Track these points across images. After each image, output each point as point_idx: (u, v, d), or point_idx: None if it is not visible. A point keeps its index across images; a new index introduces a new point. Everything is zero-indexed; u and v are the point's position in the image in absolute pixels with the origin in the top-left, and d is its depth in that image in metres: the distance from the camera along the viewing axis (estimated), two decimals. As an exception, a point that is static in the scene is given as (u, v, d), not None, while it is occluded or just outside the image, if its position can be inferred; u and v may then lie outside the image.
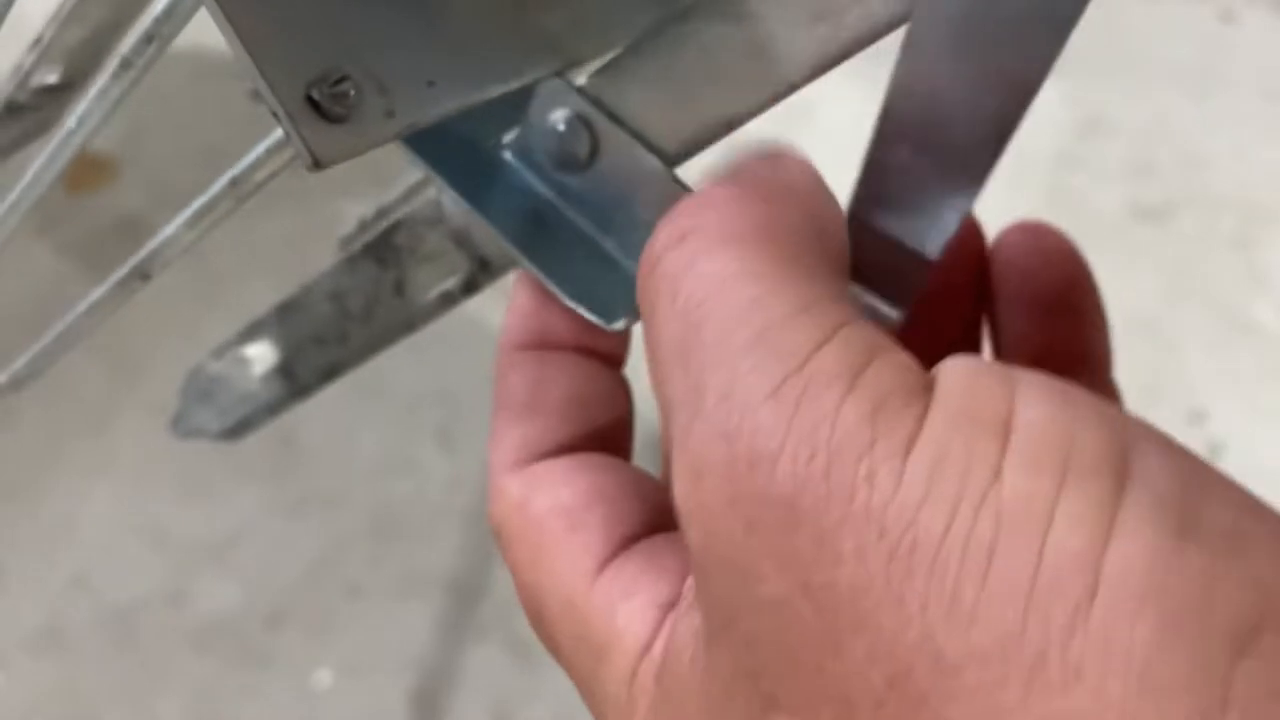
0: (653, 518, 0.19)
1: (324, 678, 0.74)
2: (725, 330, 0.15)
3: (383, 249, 0.24)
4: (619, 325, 0.21)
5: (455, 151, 0.22)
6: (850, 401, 0.14)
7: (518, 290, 0.22)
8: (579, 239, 0.21)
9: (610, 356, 0.22)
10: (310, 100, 0.17)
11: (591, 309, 0.20)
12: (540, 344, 0.21)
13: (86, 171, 1.04)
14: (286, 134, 0.17)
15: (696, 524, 0.15)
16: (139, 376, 0.89)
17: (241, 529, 0.81)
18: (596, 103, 0.21)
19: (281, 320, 0.26)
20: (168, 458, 0.85)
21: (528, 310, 0.21)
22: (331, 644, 0.75)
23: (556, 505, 0.19)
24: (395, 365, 0.95)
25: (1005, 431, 0.13)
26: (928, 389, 0.14)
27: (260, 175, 0.20)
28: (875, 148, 0.21)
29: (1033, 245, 0.27)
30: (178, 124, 1.06)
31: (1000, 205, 1.09)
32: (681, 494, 0.15)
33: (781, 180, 0.20)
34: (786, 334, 0.15)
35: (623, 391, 0.23)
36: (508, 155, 0.22)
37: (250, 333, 0.26)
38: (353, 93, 0.17)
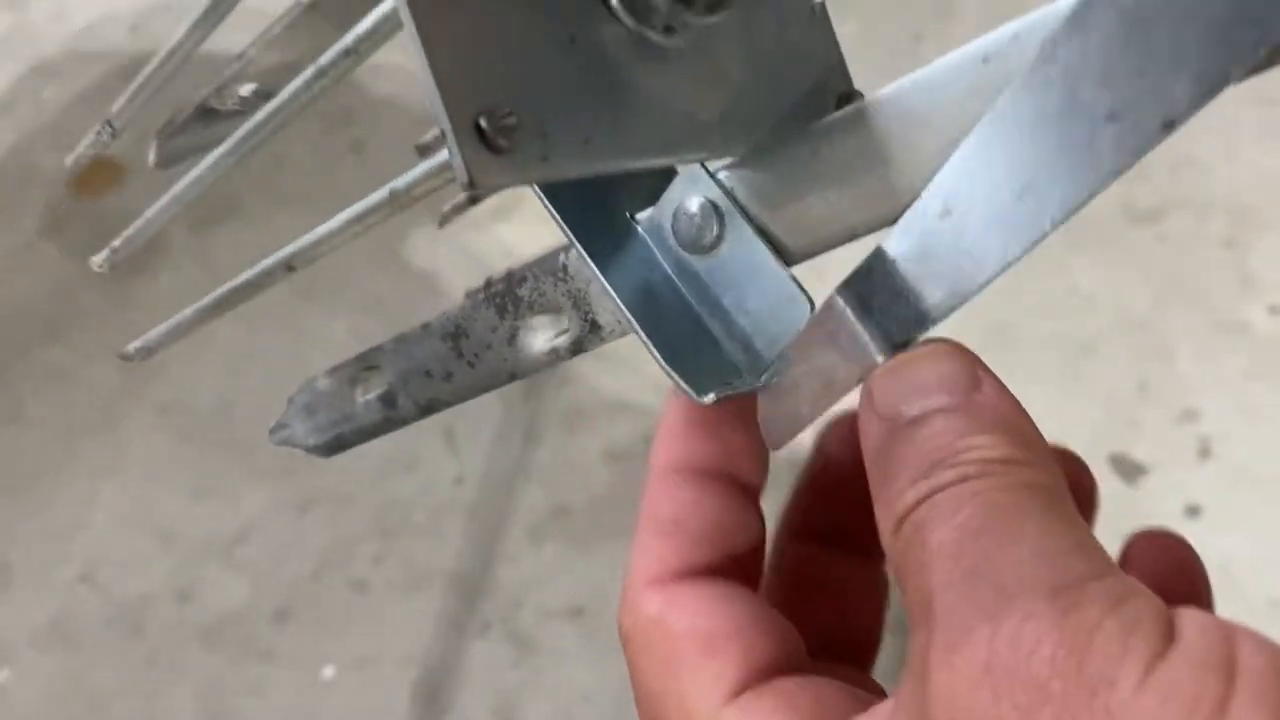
0: (784, 657, 0.21)
1: (329, 672, 0.75)
2: (1011, 543, 0.17)
3: (506, 299, 0.26)
4: (708, 399, 0.22)
5: (591, 215, 0.24)
6: (1112, 618, 0.16)
7: (669, 410, 0.23)
8: (688, 315, 0.23)
9: (750, 487, 0.24)
10: (478, 127, 0.19)
11: (686, 380, 0.22)
12: (688, 467, 0.23)
13: (94, 174, 1.04)
14: (450, 154, 0.19)
15: (944, 685, 0.17)
16: (149, 376, 0.90)
17: (249, 526, 0.81)
18: (730, 194, 0.23)
19: (396, 350, 0.29)
20: (176, 456, 0.86)
21: (678, 431, 0.23)
22: (337, 639, 0.76)
23: (694, 629, 0.21)
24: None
25: (1232, 674, 0.16)
26: (1171, 627, 0.16)
27: (418, 191, 0.22)
28: None
29: (1161, 556, 0.30)
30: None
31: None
32: (936, 660, 0.17)
33: (1003, 412, 0.19)
34: (1067, 560, 0.17)
35: (759, 522, 0.24)
36: (639, 228, 0.24)
37: (365, 357, 0.29)
38: (516, 131, 0.19)
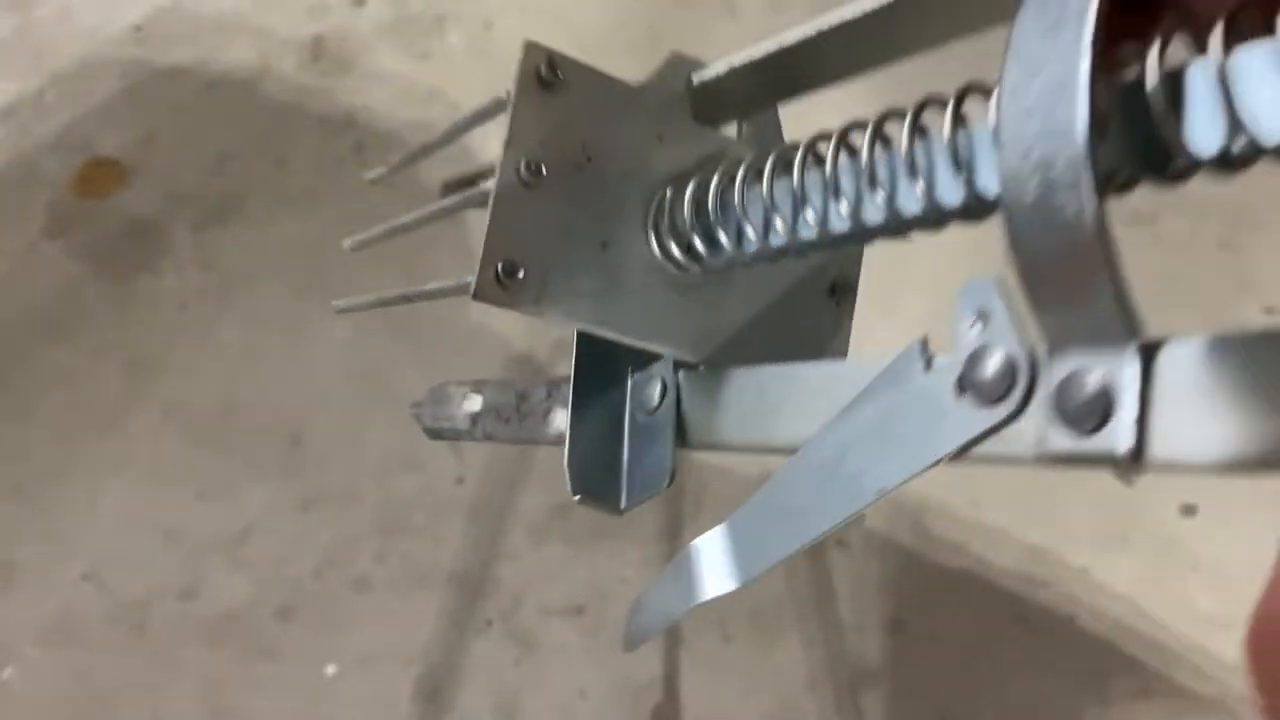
0: None
1: (332, 670, 0.75)
2: None
3: (552, 388, 0.34)
4: (575, 498, 0.30)
5: (603, 356, 0.32)
6: None
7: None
8: (611, 447, 0.31)
9: None
10: (496, 269, 0.28)
11: (571, 479, 0.31)
12: None
13: (97, 176, 1.05)
14: (471, 279, 0.28)
15: None
16: (153, 376, 0.91)
17: (252, 525, 0.82)
18: (676, 384, 0.31)
19: (494, 386, 0.36)
20: (180, 456, 0.86)
21: None
22: (339, 637, 0.76)
23: None
24: (402, 367, 0.98)
25: None
26: None
27: (434, 291, 0.33)
28: None
29: None
30: (187, 131, 1.07)
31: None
32: None
33: None
34: None
35: None
36: (630, 379, 0.32)
37: (481, 383, 0.36)
38: (521, 277, 0.28)
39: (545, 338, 0.90)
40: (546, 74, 0.30)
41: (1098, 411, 0.19)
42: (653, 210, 0.30)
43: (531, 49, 0.29)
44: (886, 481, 0.23)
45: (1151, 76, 0.19)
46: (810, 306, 0.33)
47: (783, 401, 0.28)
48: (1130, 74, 0.20)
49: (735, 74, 0.32)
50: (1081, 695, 0.75)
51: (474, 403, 0.36)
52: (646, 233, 0.30)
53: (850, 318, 0.34)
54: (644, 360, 0.32)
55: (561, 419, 0.32)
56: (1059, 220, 0.19)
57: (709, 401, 0.30)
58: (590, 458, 0.31)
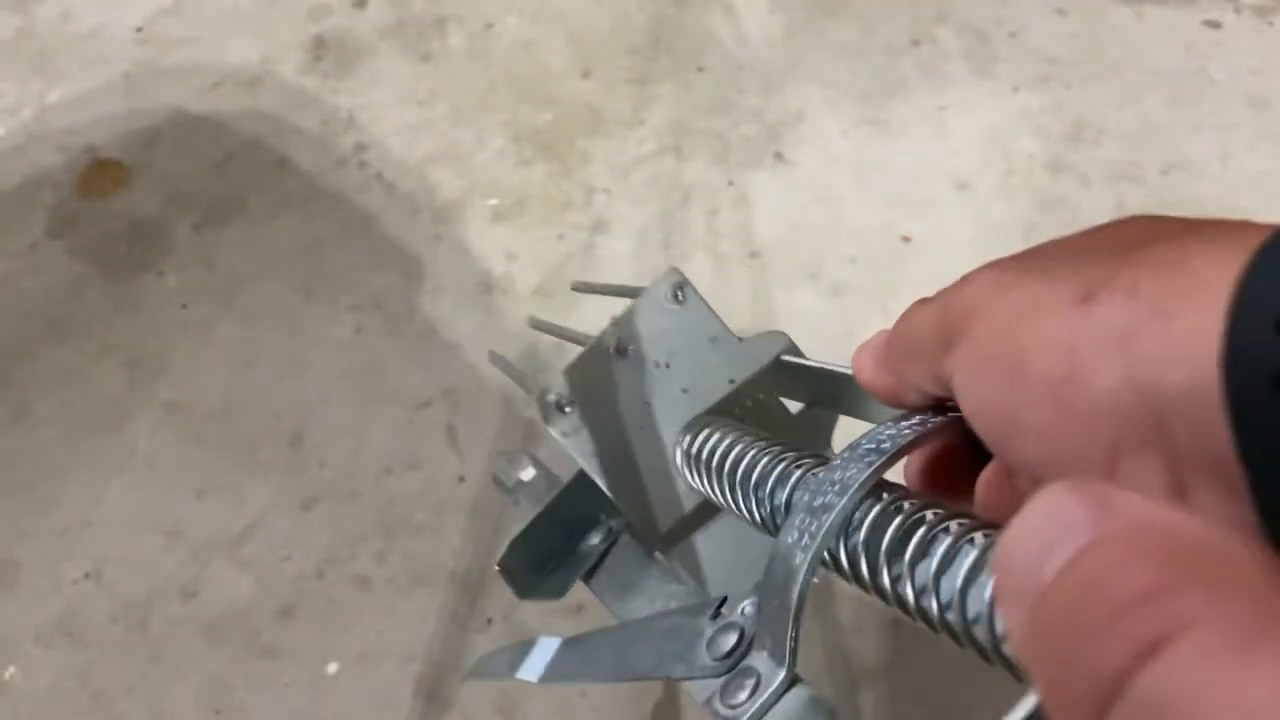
0: None
1: (333, 668, 0.75)
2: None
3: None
4: (496, 566, 0.38)
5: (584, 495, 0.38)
6: None
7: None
8: (550, 556, 0.39)
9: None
10: (557, 399, 0.35)
11: (505, 570, 0.38)
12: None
13: (99, 176, 1.05)
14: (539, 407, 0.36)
15: None
16: (155, 376, 0.91)
17: (253, 524, 0.82)
18: (612, 544, 0.39)
19: (537, 485, 0.42)
20: (181, 455, 0.86)
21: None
22: (341, 635, 0.77)
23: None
24: (402, 368, 0.98)
25: None
26: None
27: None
28: None
29: None
30: (188, 132, 1.08)
31: (992, 210, 1.13)
32: None
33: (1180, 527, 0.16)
34: None
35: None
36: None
37: (532, 460, 0.43)
38: (567, 413, 0.35)
39: (545, 340, 0.90)
40: (672, 294, 0.37)
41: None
42: (692, 430, 0.36)
43: (672, 271, 0.37)
44: (642, 672, 0.32)
45: None
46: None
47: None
48: None
49: (812, 373, 0.36)
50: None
51: (526, 473, 0.43)
52: (679, 441, 0.36)
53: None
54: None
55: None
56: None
57: (615, 569, 0.38)
58: (534, 551, 0.38)
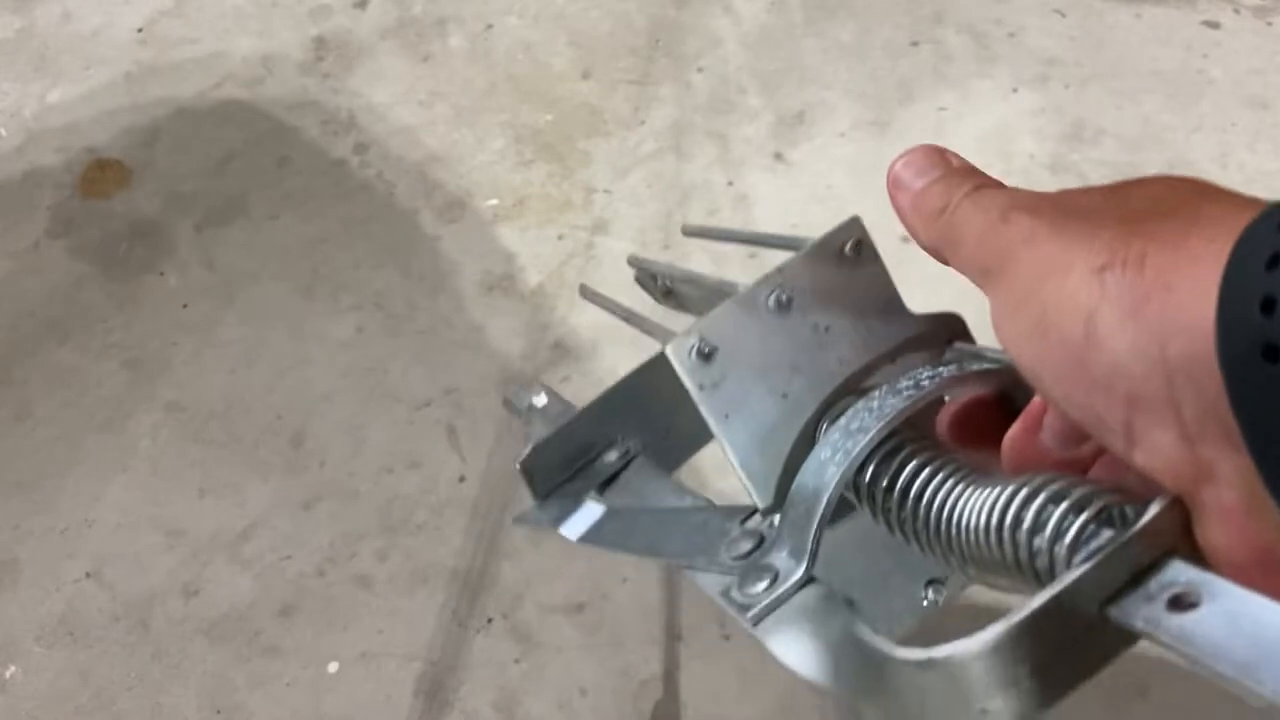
0: None
1: (334, 667, 0.76)
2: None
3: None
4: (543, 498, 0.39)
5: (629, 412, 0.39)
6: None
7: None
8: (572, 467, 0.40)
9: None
10: (697, 346, 0.32)
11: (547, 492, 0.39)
12: None
13: (100, 177, 1.05)
14: (688, 334, 0.32)
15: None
16: (156, 374, 0.91)
17: (254, 523, 0.82)
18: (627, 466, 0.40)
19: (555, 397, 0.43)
20: (182, 454, 0.87)
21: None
22: (341, 634, 0.77)
23: None
24: (403, 368, 0.98)
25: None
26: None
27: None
28: None
29: None
30: (189, 132, 1.08)
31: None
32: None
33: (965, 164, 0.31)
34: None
35: None
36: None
37: (545, 388, 0.43)
38: (709, 364, 0.32)
39: (545, 339, 0.91)
40: (850, 250, 0.32)
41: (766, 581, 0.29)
42: (836, 409, 0.32)
43: (854, 223, 0.32)
44: (668, 554, 0.33)
45: None
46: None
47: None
48: None
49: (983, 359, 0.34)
50: (1082, 693, 0.75)
51: (540, 399, 0.43)
52: (821, 416, 0.32)
53: None
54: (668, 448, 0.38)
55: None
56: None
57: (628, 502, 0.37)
58: (554, 457, 0.38)
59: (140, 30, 1.16)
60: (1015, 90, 1.04)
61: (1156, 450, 0.24)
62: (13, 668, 0.77)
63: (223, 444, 0.86)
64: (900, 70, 1.06)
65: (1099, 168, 0.99)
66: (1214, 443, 0.23)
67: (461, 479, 0.83)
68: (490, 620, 0.77)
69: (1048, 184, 1.03)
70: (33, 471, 0.86)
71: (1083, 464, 0.29)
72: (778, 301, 0.31)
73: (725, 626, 0.74)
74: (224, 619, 0.78)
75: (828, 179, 0.99)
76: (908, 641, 0.25)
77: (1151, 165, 0.99)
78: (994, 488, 0.27)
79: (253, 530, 0.82)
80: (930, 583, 0.36)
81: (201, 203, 1.02)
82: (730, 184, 1.00)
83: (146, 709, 0.75)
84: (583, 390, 0.93)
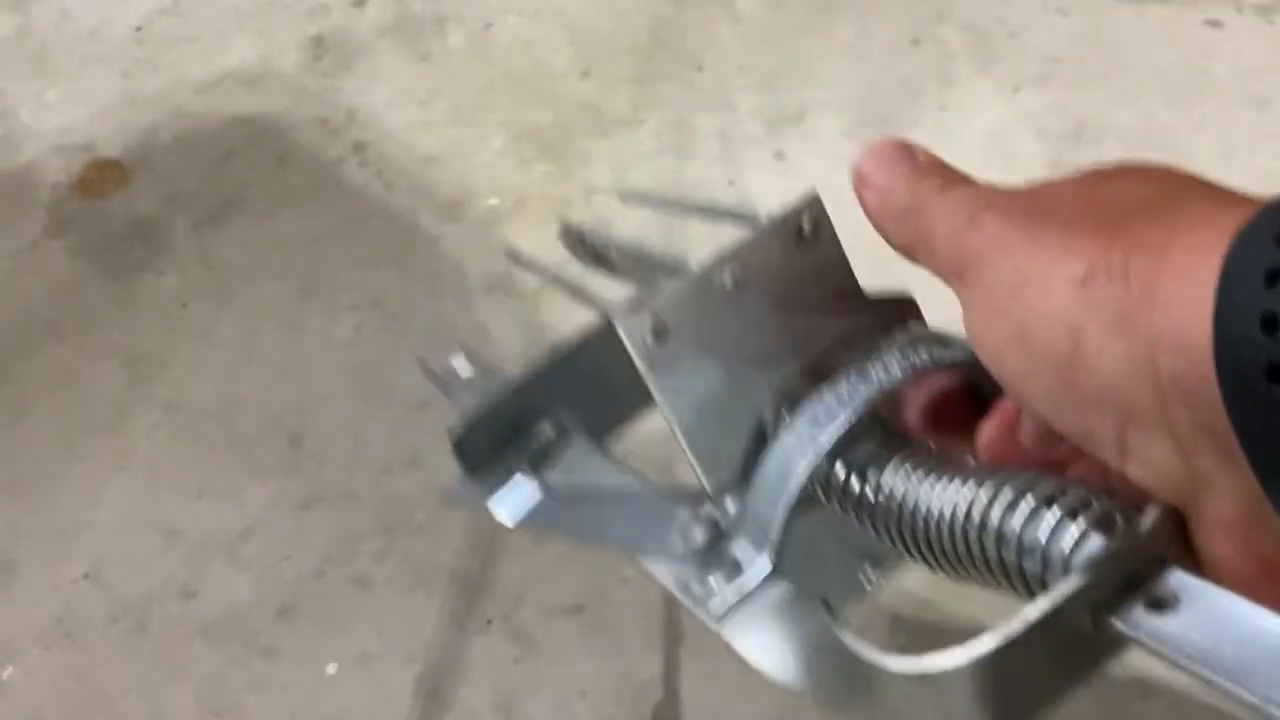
0: None
1: (332, 669, 0.75)
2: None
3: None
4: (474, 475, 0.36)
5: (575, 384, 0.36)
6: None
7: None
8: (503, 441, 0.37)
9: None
10: (651, 324, 0.30)
11: (478, 467, 0.36)
12: None
13: (98, 176, 1.05)
14: (643, 308, 0.30)
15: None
16: (154, 375, 0.91)
17: (252, 524, 0.82)
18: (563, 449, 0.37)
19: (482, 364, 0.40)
20: (180, 455, 0.86)
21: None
22: (340, 636, 0.77)
23: None
24: (403, 369, 0.98)
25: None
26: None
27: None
28: None
29: None
30: (187, 131, 1.08)
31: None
32: None
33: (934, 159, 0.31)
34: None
35: None
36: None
37: (466, 352, 0.40)
38: (659, 344, 0.30)
39: (545, 340, 0.90)
40: (808, 228, 0.31)
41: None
42: (794, 393, 0.30)
43: (813, 200, 0.31)
44: (615, 540, 0.32)
45: None
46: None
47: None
48: None
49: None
50: (1082, 692, 0.75)
51: (463, 367, 0.39)
52: (779, 401, 0.30)
53: None
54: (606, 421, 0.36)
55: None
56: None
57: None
58: (486, 432, 0.35)
59: (138, 29, 1.16)
60: (1016, 89, 1.04)
61: (1151, 463, 0.23)
62: (10, 669, 0.77)
63: (221, 444, 0.86)
64: (901, 69, 1.06)
65: (1100, 167, 0.99)
66: (1211, 455, 0.22)
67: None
68: (489, 621, 0.76)
69: (1049, 183, 1.03)
70: (30, 472, 0.86)
71: (1062, 460, 0.28)
72: (734, 280, 0.30)
73: (725, 628, 0.74)
74: (222, 620, 0.78)
75: (828, 178, 0.98)
76: (862, 636, 0.24)
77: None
78: (978, 485, 0.26)
79: (251, 531, 0.82)
80: (867, 560, 0.34)
81: (200, 202, 1.02)
82: (731, 183, 0.99)
83: (144, 710, 0.75)
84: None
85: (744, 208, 0.32)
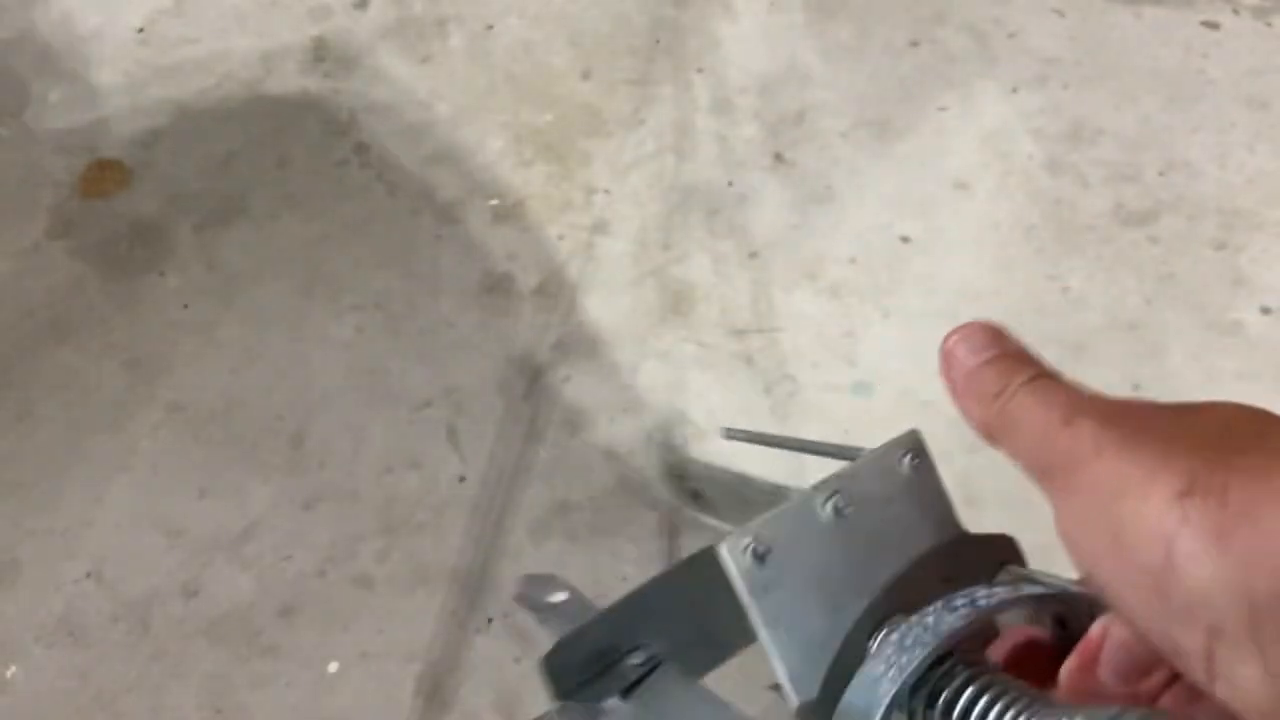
0: None
1: (334, 667, 0.76)
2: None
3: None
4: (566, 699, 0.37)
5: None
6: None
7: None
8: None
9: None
10: (752, 546, 0.31)
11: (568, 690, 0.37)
12: None
13: (101, 177, 1.05)
14: (745, 536, 0.31)
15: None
16: (157, 375, 0.91)
17: (255, 523, 0.82)
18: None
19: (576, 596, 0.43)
20: (183, 455, 0.87)
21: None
22: (342, 635, 0.77)
23: None
24: (403, 368, 0.98)
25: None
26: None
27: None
28: None
29: None
30: (190, 133, 1.08)
31: (990, 210, 1.13)
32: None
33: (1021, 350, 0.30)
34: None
35: None
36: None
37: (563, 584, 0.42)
38: (761, 568, 0.31)
39: (544, 340, 0.91)
40: (908, 462, 0.32)
41: None
42: (886, 624, 0.31)
43: (912, 436, 0.32)
44: None
45: None
46: None
47: None
48: None
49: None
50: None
51: (558, 596, 0.42)
52: (871, 630, 0.31)
53: None
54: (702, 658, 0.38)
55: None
56: None
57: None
58: (576, 655, 0.37)
59: (140, 30, 1.16)
60: (1015, 90, 1.04)
61: (1239, 684, 0.23)
62: (13, 668, 0.77)
63: (223, 444, 0.86)
64: (900, 70, 1.06)
65: (1098, 167, 0.99)
66: None
67: (461, 479, 0.83)
68: (490, 620, 0.77)
69: (1047, 183, 1.04)
70: (33, 471, 0.86)
71: (1142, 700, 0.29)
72: (835, 509, 0.31)
73: (725, 626, 0.75)
74: (224, 619, 0.78)
75: (828, 179, 0.99)
76: None
77: (1150, 165, 0.99)
78: (1064, 718, 0.26)
79: (253, 530, 0.82)
80: None
81: (202, 203, 1.02)
82: (730, 184, 1.00)
83: (146, 709, 0.75)
84: (583, 390, 0.93)
85: (846, 446, 0.33)
